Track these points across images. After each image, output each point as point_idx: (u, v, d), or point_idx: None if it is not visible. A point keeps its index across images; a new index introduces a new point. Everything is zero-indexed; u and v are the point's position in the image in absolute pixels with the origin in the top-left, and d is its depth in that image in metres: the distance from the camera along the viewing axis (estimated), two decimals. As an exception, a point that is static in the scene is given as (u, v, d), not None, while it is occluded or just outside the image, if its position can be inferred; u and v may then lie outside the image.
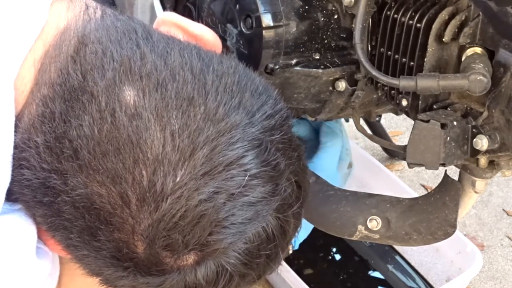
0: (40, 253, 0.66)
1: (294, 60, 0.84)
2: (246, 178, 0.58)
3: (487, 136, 0.74)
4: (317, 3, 0.84)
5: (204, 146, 0.57)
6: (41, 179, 0.59)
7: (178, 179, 0.56)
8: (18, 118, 0.60)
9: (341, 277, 1.36)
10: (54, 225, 0.60)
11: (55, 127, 0.58)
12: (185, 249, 0.58)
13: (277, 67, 0.82)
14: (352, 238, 0.89)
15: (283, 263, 1.20)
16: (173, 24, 0.68)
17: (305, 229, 1.21)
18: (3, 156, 0.58)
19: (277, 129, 0.62)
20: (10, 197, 0.61)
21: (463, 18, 0.75)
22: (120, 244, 0.58)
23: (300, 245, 1.24)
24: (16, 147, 0.59)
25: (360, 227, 0.87)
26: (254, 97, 0.63)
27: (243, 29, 0.82)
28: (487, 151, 0.75)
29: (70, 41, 0.61)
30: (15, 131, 0.59)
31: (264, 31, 0.80)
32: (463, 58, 0.75)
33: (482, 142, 0.74)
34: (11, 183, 0.60)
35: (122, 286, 0.62)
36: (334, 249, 1.40)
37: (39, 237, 0.64)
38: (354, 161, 1.29)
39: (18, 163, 0.59)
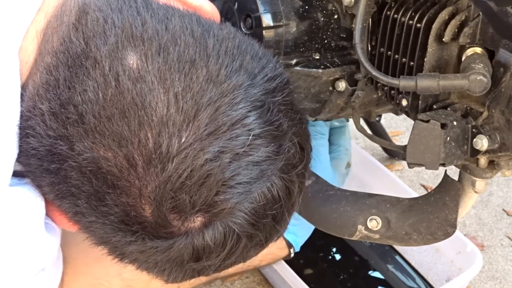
0: (48, 227, 0.66)
1: (294, 60, 0.83)
2: (250, 137, 0.58)
3: (487, 136, 0.74)
4: (317, 3, 0.84)
5: (208, 107, 0.57)
6: (47, 146, 0.59)
7: (183, 140, 0.57)
8: (23, 88, 0.60)
9: (341, 277, 1.36)
10: (62, 193, 0.60)
11: (59, 94, 0.58)
12: (192, 209, 0.58)
13: (277, 67, 0.82)
14: (352, 238, 0.89)
15: (283, 263, 1.20)
16: None
17: (307, 231, 1.20)
18: (10, 127, 0.59)
19: (278, 91, 0.63)
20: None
21: (463, 18, 0.75)
22: (128, 207, 0.58)
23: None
24: (21, 116, 0.59)
25: (360, 227, 0.87)
26: (255, 60, 0.63)
27: (243, 29, 0.82)
28: (487, 151, 0.75)
29: (71, 11, 0.62)
30: (20, 101, 0.59)
31: (264, 31, 0.80)
32: (463, 58, 0.75)
33: (482, 142, 0.74)
34: (18, 154, 0.60)
35: (130, 253, 0.62)
36: (334, 249, 1.40)
37: (46, 212, 0.65)
38: (354, 161, 1.29)
39: (24, 132, 0.59)
